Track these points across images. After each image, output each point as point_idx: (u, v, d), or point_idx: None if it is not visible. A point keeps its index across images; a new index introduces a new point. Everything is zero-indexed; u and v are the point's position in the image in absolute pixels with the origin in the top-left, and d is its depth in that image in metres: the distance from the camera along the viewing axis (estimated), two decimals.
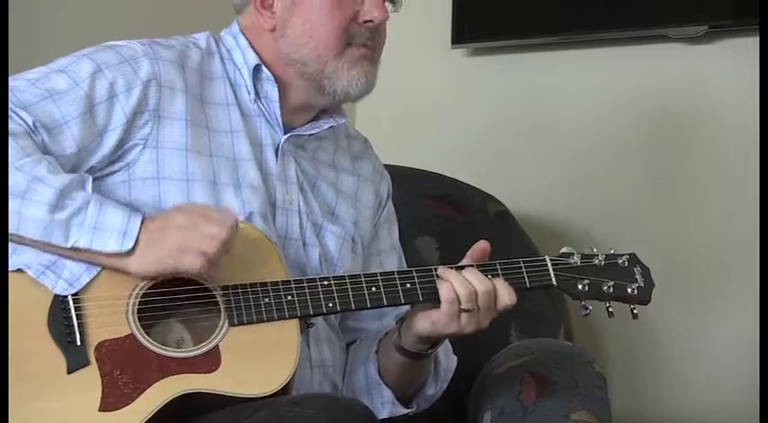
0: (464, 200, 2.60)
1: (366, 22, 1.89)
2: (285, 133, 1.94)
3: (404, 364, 1.93)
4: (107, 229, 1.70)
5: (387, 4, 1.92)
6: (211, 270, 1.72)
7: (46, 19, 2.61)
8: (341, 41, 1.89)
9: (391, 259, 2.10)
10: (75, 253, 1.71)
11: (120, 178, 1.82)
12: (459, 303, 1.81)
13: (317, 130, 1.97)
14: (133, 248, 1.70)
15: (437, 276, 1.84)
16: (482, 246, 1.88)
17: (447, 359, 2.01)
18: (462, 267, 1.85)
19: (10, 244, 1.71)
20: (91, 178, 1.75)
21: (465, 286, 1.81)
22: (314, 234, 1.95)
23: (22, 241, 1.71)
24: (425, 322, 1.85)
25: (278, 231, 1.91)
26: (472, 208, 2.59)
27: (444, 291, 1.82)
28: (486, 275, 1.83)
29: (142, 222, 1.71)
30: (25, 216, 1.68)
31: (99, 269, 1.73)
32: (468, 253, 1.88)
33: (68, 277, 1.72)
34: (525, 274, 1.87)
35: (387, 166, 2.17)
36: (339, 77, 1.89)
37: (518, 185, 2.90)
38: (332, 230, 1.98)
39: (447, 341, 1.97)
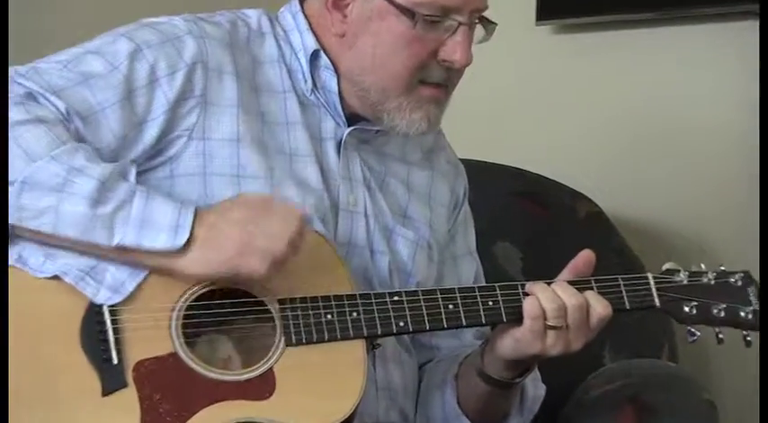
0: (550, 198, 2.53)
1: (444, 61, 1.77)
2: (349, 125, 1.85)
3: (487, 393, 1.84)
4: (156, 224, 1.60)
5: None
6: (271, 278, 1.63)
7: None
8: (413, 78, 1.77)
9: (467, 266, 2.01)
10: (120, 254, 1.61)
11: (161, 174, 1.73)
12: (546, 320, 1.73)
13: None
14: (186, 245, 1.60)
15: (524, 293, 1.76)
16: (587, 257, 1.79)
17: (534, 387, 1.92)
18: (552, 282, 1.78)
19: (44, 248, 1.62)
20: (134, 167, 1.66)
21: (553, 301, 1.72)
22: (383, 239, 1.85)
23: (59, 243, 1.61)
24: (508, 340, 1.76)
25: (340, 238, 1.81)
26: (559, 207, 2.52)
27: (528, 305, 1.73)
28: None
29: (195, 215, 1.61)
30: (63, 212, 1.58)
31: (145, 273, 1.64)
32: (569, 265, 1.80)
33: (111, 283, 1.63)
34: (624, 294, 1.79)
35: (460, 161, 2.07)
36: (401, 117, 1.78)
37: (613, 183, 2.80)
38: (404, 235, 1.88)
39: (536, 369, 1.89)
